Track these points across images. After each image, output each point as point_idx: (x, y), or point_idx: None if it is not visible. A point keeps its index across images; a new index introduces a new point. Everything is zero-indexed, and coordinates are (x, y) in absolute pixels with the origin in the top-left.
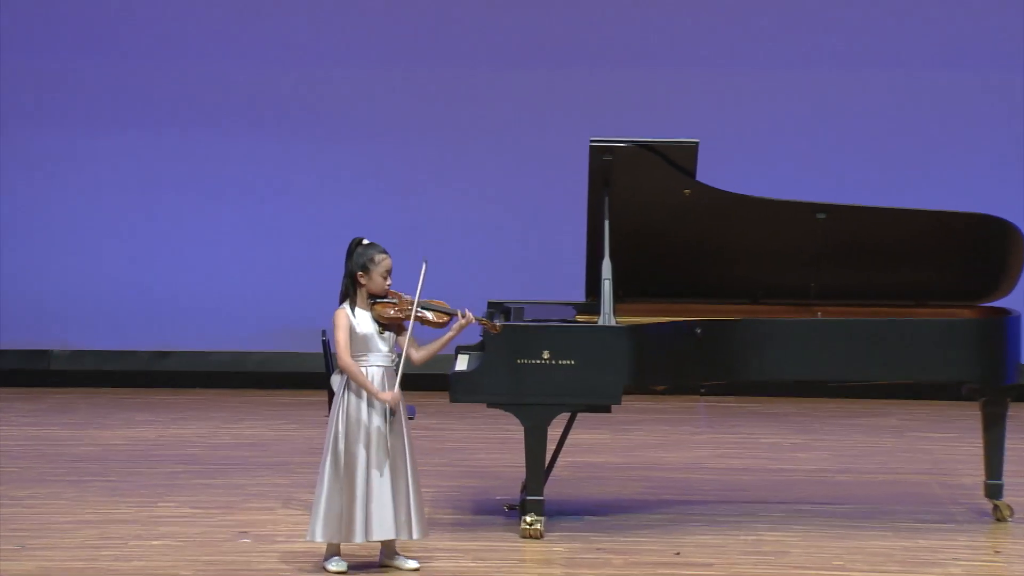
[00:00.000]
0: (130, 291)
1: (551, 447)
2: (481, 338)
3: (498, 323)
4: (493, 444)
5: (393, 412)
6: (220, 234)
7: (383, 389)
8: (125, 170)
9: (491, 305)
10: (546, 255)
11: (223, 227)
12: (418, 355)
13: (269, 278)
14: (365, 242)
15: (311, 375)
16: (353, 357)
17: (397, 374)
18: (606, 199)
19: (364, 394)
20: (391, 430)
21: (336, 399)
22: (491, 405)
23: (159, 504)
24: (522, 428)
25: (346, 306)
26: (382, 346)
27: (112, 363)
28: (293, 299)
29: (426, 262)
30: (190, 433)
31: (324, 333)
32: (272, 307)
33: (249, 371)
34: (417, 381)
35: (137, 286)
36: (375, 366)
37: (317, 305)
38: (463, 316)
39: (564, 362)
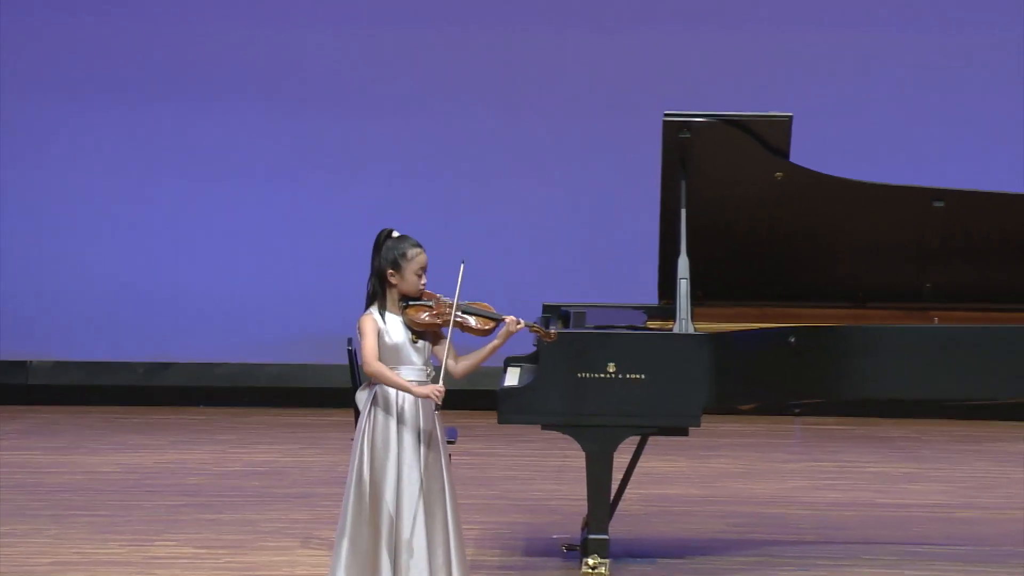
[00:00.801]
0: (122, 292)
1: (617, 477)
2: (534, 347)
3: (553, 330)
4: (548, 473)
5: (437, 408)
6: (229, 226)
7: (417, 411)
8: (115, 152)
9: (546, 309)
10: (611, 250)
11: (232, 218)
12: (458, 367)
13: (286, 278)
14: (396, 234)
15: (335, 391)
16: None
17: None
18: (683, 184)
19: (394, 411)
20: (427, 454)
21: (361, 419)
22: (546, 427)
23: (156, 543)
24: (583, 454)
25: (373, 310)
26: (416, 357)
27: (101, 376)
28: (314, 302)
29: (464, 263)
30: (193, 459)
31: (350, 342)
32: (290, 311)
33: (263, 386)
34: (458, 398)
35: (130, 286)
36: (408, 379)
37: (342, 309)
38: (512, 322)
39: (633, 376)
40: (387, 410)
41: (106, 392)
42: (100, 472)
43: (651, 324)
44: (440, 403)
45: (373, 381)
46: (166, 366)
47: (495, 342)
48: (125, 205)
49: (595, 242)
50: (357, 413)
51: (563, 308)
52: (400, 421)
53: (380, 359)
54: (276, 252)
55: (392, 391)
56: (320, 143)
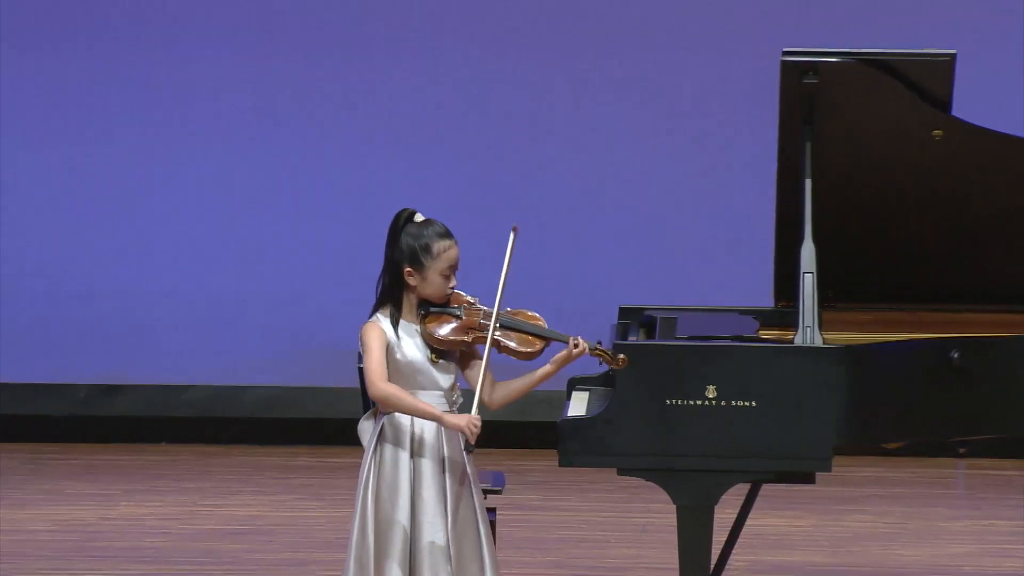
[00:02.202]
0: (57, 293)
1: (719, 538)
2: (608, 366)
3: (624, 355)
4: (627, 533)
5: (469, 448)
6: (198, 209)
7: (440, 442)
8: (56, 132)
9: (624, 314)
10: (709, 237)
11: (202, 199)
12: (495, 396)
13: (277, 274)
14: (419, 218)
15: (343, 423)
16: None
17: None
18: (806, 148)
19: (407, 444)
20: (456, 506)
21: (365, 459)
22: (624, 471)
23: None
24: (673, 508)
25: (382, 317)
26: (438, 380)
27: (29, 403)
28: (314, 305)
29: (516, 231)
30: (153, 514)
31: (361, 358)
32: (281, 317)
33: (246, 416)
34: (505, 432)
35: (71, 287)
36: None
37: (350, 314)
38: (571, 345)
39: (740, 404)
40: (398, 444)
41: (36, 424)
42: (26, 531)
43: (764, 333)
44: (473, 442)
45: (382, 408)
46: (115, 389)
47: (547, 368)
48: (58, 185)
49: (687, 226)
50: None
51: (646, 312)
52: (417, 460)
53: (396, 379)
54: (264, 241)
55: (406, 419)
56: (325, 110)
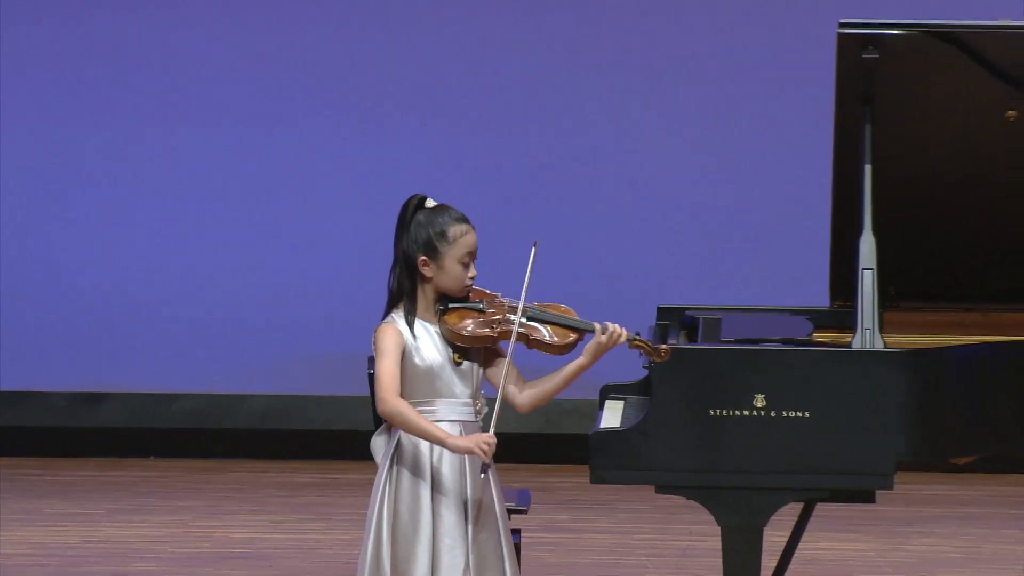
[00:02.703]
0: (37, 294)
1: (768, 563)
2: (645, 370)
3: (667, 344)
4: (667, 558)
5: (484, 468)
6: (192, 201)
7: (462, 468)
8: (34, 132)
9: (663, 315)
10: (756, 229)
11: (200, 193)
12: (524, 398)
13: (278, 270)
14: (431, 204)
15: (352, 436)
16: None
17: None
18: (866, 131)
19: (427, 469)
20: (476, 531)
21: (379, 477)
22: (663, 489)
23: None
24: (717, 529)
25: (397, 317)
26: (459, 386)
27: (6, 414)
28: (320, 306)
29: (537, 246)
30: (140, 536)
31: (372, 363)
32: (284, 320)
33: (243, 427)
34: (530, 445)
35: (50, 287)
36: (447, 421)
37: (360, 316)
38: (604, 332)
39: (792, 414)
40: (416, 468)
41: (10, 437)
42: (2, 555)
43: (818, 336)
44: (489, 461)
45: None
46: (98, 398)
47: (581, 361)
48: (35, 180)
49: (732, 218)
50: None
51: (688, 312)
52: (436, 486)
53: (406, 392)
54: (264, 237)
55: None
56: (334, 95)
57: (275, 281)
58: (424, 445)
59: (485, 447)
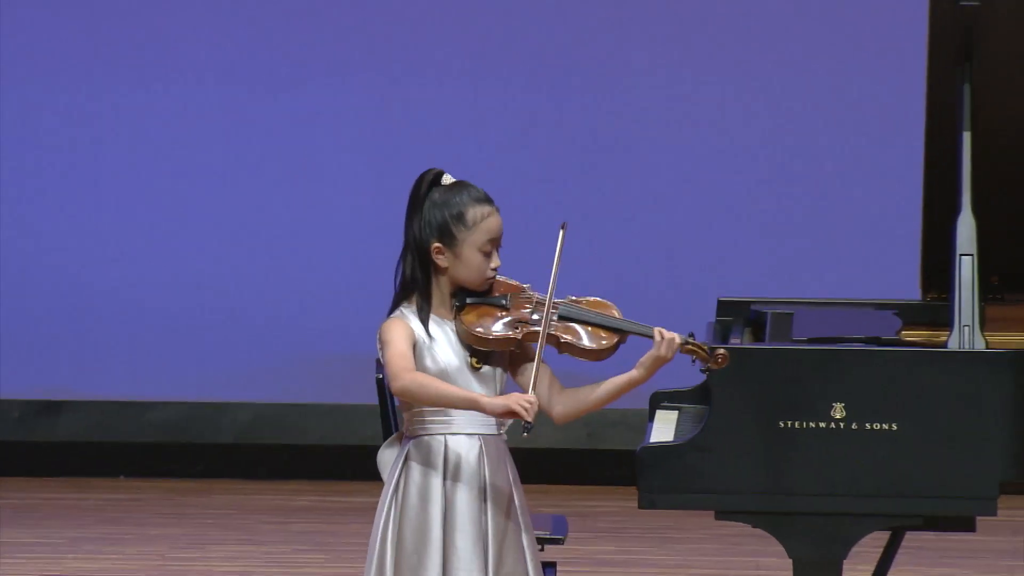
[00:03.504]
0: None
1: None
2: (703, 373)
3: (725, 348)
4: None
5: (527, 428)
6: (165, 183)
7: (479, 468)
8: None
9: (723, 309)
10: (837, 210)
11: (173, 171)
12: (561, 405)
13: (271, 266)
14: (448, 180)
15: (356, 452)
16: (419, 415)
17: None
18: (964, 93)
19: (440, 472)
20: (500, 551)
21: (385, 492)
22: (723, 515)
23: None
24: (788, 562)
25: (407, 312)
26: (480, 393)
27: None
28: (318, 303)
29: (565, 229)
30: (109, 569)
31: (378, 368)
32: (276, 316)
33: (228, 442)
34: (566, 463)
35: (1, 281)
36: (463, 433)
37: (364, 314)
38: (657, 336)
39: (876, 427)
40: (427, 474)
41: None
42: None
43: (908, 334)
44: (531, 421)
45: (406, 428)
46: (58, 407)
47: (633, 374)
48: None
49: (805, 199)
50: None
51: (753, 306)
52: (450, 494)
53: None
54: (253, 217)
55: (438, 440)
56: (331, 77)
57: (266, 270)
58: (438, 459)
59: (526, 404)
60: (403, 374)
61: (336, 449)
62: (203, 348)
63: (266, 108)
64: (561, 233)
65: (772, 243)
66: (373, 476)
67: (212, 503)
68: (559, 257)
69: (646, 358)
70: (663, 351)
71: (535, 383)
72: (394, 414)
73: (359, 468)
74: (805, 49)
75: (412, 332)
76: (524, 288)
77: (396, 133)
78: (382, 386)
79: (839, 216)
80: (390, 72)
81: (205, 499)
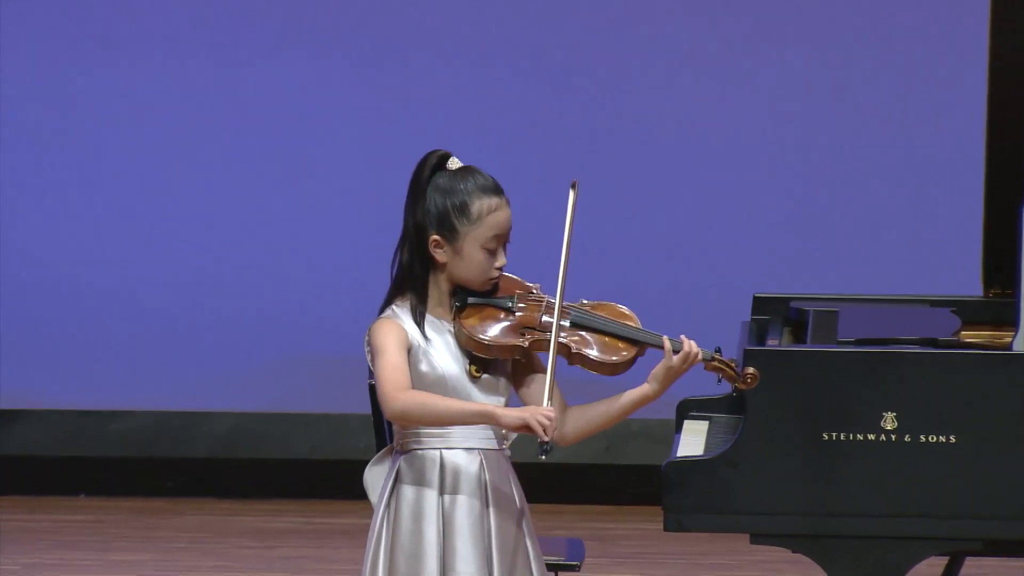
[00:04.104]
0: None
1: None
2: (730, 384)
3: (754, 368)
4: None
5: (545, 449)
6: (135, 167)
7: (481, 480)
8: None
9: (760, 307)
10: (884, 193)
11: (143, 154)
12: (568, 425)
13: (251, 254)
14: (454, 165)
15: (348, 467)
16: (415, 430)
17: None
18: None
19: (435, 503)
20: (505, 571)
21: (375, 519)
22: (760, 539)
23: None
24: None
25: (399, 311)
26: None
27: None
28: (303, 302)
29: (576, 188)
30: None
31: (371, 374)
32: (257, 316)
33: (202, 456)
34: (574, 479)
35: None
36: (462, 448)
37: (355, 314)
38: (678, 352)
39: (932, 439)
40: (420, 509)
41: None
42: None
43: (967, 334)
44: (549, 440)
45: (397, 442)
46: (12, 416)
47: (645, 389)
48: None
49: (850, 180)
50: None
51: (793, 303)
52: (449, 533)
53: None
54: (234, 207)
55: (433, 455)
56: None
57: (245, 265)
58: (433, 475)
59: (545, 421)
60: (398, 395)
61: (324, 464)
62: (174, 351)
63: (244, 93)
64: (572, 194)
65: (810, 234)
66: (365, 494)
67: (184, 525)
68: (571, 223)
69: (659, 370)
70: (675, 363)
71: (549, 395)
72: (389, 425)
73: (350, 486)
74: (859, 25)
75: (405, 335)
76: (533, 288)
77: (391, 121)
78: (375, 394)
79: (889, 202)
80: (390, 46)
81: (176, 521)
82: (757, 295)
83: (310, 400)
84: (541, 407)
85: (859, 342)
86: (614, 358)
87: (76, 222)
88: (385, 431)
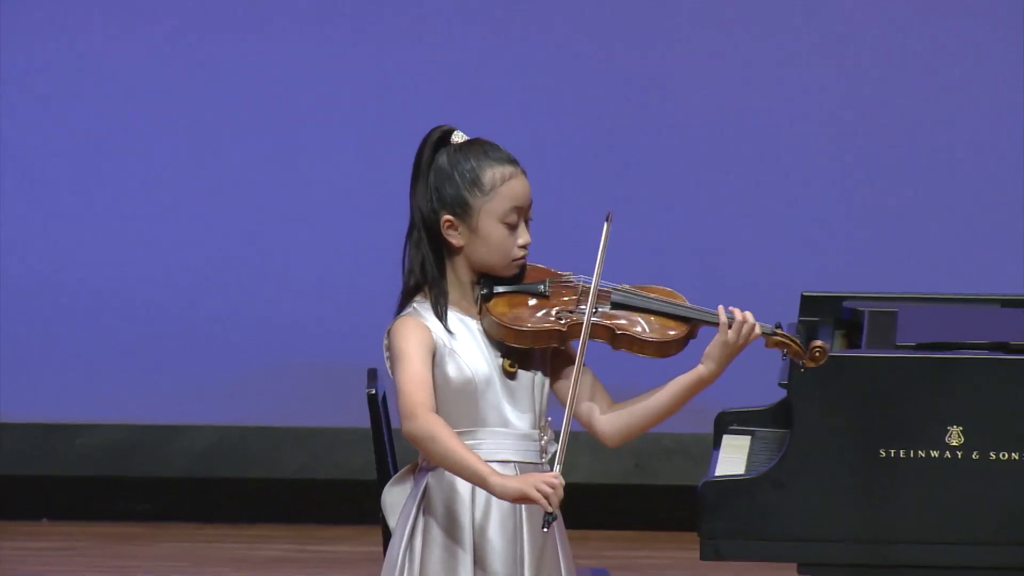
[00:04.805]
0: None
1: None
2: (782, 388)
3: (821, 341)
4: None
5: (548, 521)
6: (102, 151)
7: (517, 522)
8: None
9: (808, 306)
10: (941, 181)
11: (110, 140)
12: (613, 422)
13: (236, 250)
14: (459, 138)
15: (343, 488)
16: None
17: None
18: None
19: (468, 523)
20: None
21: (396, 543)
22: (808, 568)
23: None
24: None
25: (421, 308)
26: (515, 408)
27: None
28: (298, 298)
29: (610, 220)
30: None
31: (373, 379)
32: (242, 319)
33: (180, 475)
34: (598, 500)
35: None
36: (496, 460)
37: (358, 312)
38: (722, 317)
39: (1002, 456)
40: (452, 517)
41: None
42: None
43: None
44: (554, 511)
45: (422, 458)
46: None
47: (701, 370)
48: None
49: (904, 168)
50: (387, 535)
51: (845, 302)
52: (480, 560)
53: (440, 409)
54: (215, 197)
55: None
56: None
57: (228, 261)
58: (464, 492)
59: (548, 489)
60: (419, 413)
61: (317, 484)
62: (148, 357)
63: (227, 58)
64: (606, 226)
65: (863, 225)
66: (365, 518)
67: (160, 553)
68: (603, 253)
69: (714, 347)
70: (731, 336)
71: (573, 392)
72: (390, 440)
73: (346, 509)
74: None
75: (430, 336)
76: (566, 274)
77: (395, 93)
78: (375, 404)
79: (948, 190)
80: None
81: (150, 548)
82: (805, 293)
83: (301, 412)
84: (544, 473)
85: (921, 347)
86: (663, 336)
87: (35, 222)
88: (387, 447)
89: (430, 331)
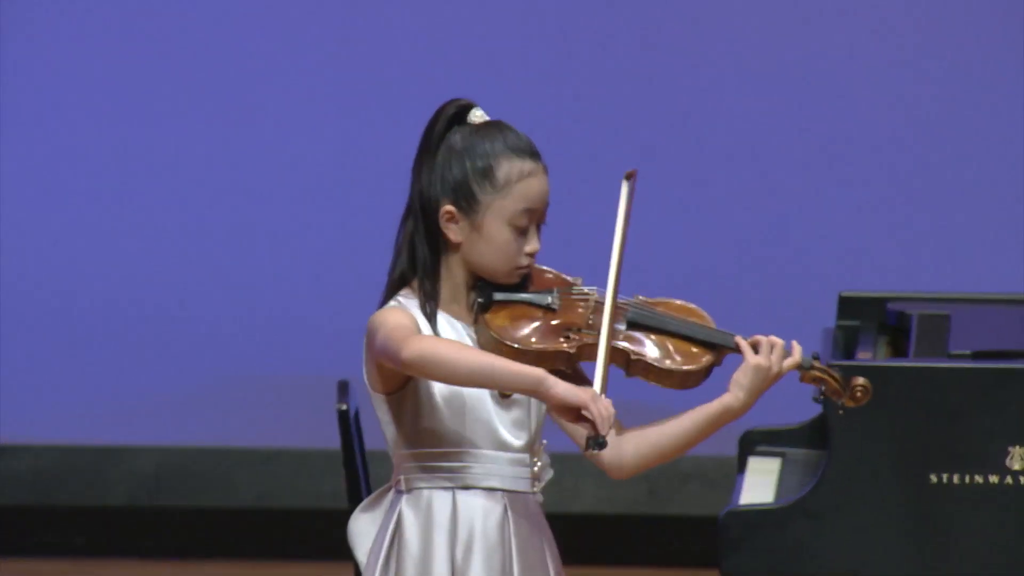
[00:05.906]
0: None
1: None
2: (817, 403)
3: (864, 380)
4: None
5: (598, 444)
6: (49, 142)
7: (503, 547)
8: None
9: (847, 308)
10: (990, 172)
11: (71, 168)
12: (627, 450)
13: (194, 249)
14: (478, 117)
15: (311, 518)
16: (419, 456)
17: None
18: None
19: (446, 557)
20: None
21: (369, 569)
22: None
23: None
24: None
25: (407, 301)
26: (508, 429)
27: None
28: (267, 303)
29: (632, 179)
30: None
31: (344, 392)
32: (199, 325)
33: (124, 504)
34: (609, 532)
35: None
36: (481, 487)
37: (334, 317)
38: (759, 351)
39: None
40: (427, 545)
41: None
42: None
43: None
44: (604, 435)
45: (397, 478)
46: None
47: (728, 399)
48: None
49: (953, 159)
50: (358, 573)
51: (890, 304)
52: (459, 574)
53: (417, 438)
54: (174, 192)
55: (443, 497)
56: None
57: (178, 264)
58: (442, 519)
59: (606, 412)
60: (411, 339)
61: (278, 514)
62: (85, 371)
63: (205, 40)
64: (625, 186)
65: (907, 220)
66: (335, 553)
67: None
68: (625, 219)
69: (742, 373)
70: (762, 361)
71: (602, 389)
72: (363, 463)
73: (314, 542)
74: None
75: (416, 324)
76: (575, 282)
77: (390, 75)
78: (346, 421)
79: (999, 182)
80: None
81: None
82: (844, 294)
83: (260, 431)
84: (600, 399)
85: (978, 355)
86: (684, 366)
87: None
88: (360, 471)
89: (418, 323)
